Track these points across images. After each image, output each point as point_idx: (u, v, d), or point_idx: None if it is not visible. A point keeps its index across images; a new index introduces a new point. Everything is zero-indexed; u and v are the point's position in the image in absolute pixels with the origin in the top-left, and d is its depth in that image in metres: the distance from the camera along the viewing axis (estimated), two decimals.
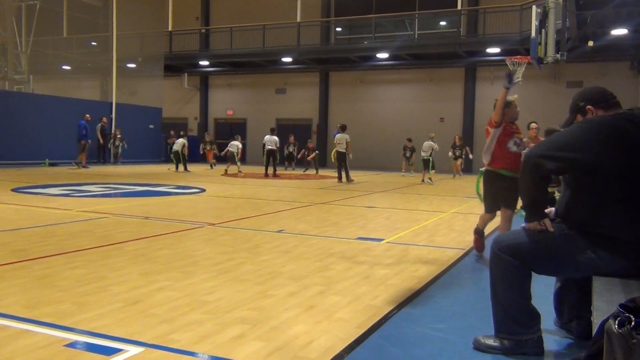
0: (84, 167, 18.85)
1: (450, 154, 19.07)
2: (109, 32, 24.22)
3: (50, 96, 21.80)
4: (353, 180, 15.17)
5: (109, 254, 5.13)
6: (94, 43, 27.49)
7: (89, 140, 19.46)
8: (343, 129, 15.26)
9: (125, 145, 22.48)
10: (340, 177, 15.15)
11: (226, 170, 18.51)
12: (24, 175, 13.91)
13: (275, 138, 16.95)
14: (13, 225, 6.66)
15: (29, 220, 7.05)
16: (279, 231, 6.72)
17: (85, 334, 3.01)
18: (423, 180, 16.01)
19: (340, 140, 14.99)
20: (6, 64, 22.90)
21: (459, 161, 19.08)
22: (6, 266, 4.51)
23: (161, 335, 3.00)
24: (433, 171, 16.57)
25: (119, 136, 22.53)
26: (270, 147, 16.81)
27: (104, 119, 21.17)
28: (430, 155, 16.65)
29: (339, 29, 26.11)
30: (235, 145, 18.81)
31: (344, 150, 14.91)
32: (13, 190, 10.95)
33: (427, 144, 16.91)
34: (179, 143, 18.92)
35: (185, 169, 18.72)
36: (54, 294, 3.75)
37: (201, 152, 22.34)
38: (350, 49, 24.21)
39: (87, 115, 19.56)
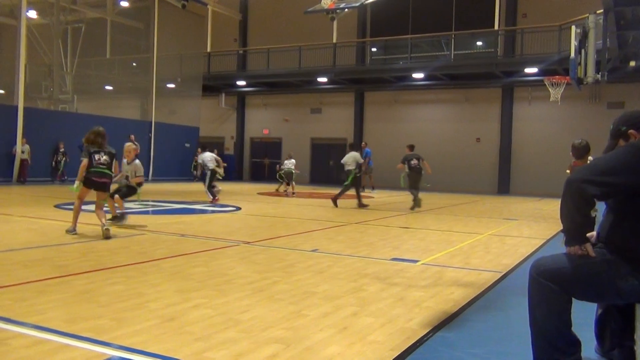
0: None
1: None
2: (150, 53, 24.95)
3: (93, 115, 22.50)
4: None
5: (146, 270, 5.22)
6: (135, 64, 28.32)
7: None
8: (352, 147, 14.38)
9: (68, 160, 19.66)
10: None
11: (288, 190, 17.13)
12: (67, 191, 14.29)
13: (211, 155, 14.25)
14: (56, 240, 6.86)
15: (71, 236, 7.25)
16: (313, 250, 6.72)
17: (122, 349, 3.07)
18: None
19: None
20: (52, 84, 23.77)
21: None
22: (49, 280, 4.64)
23: (196, 353, 3.04)
24: None
25: (61, 150, 19.84)
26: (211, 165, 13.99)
27: (132, 136, 21.19)
28: None
29: (374, 50, 26.24)
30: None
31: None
32: (56, 206, 11.29)
33: None
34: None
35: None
36: (93, 309, 3.83)
37: None
38: (385, 69, 24.26)
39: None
